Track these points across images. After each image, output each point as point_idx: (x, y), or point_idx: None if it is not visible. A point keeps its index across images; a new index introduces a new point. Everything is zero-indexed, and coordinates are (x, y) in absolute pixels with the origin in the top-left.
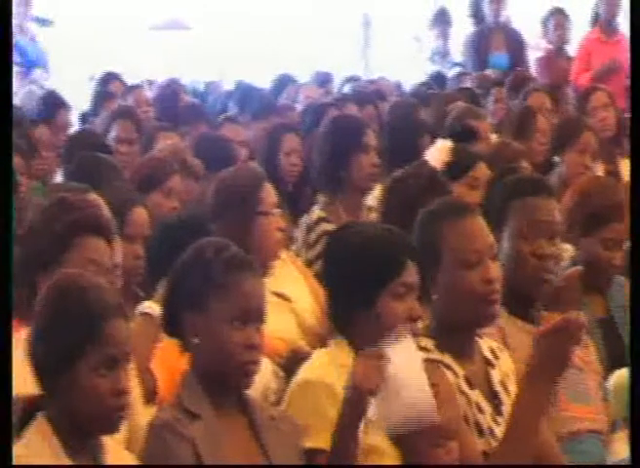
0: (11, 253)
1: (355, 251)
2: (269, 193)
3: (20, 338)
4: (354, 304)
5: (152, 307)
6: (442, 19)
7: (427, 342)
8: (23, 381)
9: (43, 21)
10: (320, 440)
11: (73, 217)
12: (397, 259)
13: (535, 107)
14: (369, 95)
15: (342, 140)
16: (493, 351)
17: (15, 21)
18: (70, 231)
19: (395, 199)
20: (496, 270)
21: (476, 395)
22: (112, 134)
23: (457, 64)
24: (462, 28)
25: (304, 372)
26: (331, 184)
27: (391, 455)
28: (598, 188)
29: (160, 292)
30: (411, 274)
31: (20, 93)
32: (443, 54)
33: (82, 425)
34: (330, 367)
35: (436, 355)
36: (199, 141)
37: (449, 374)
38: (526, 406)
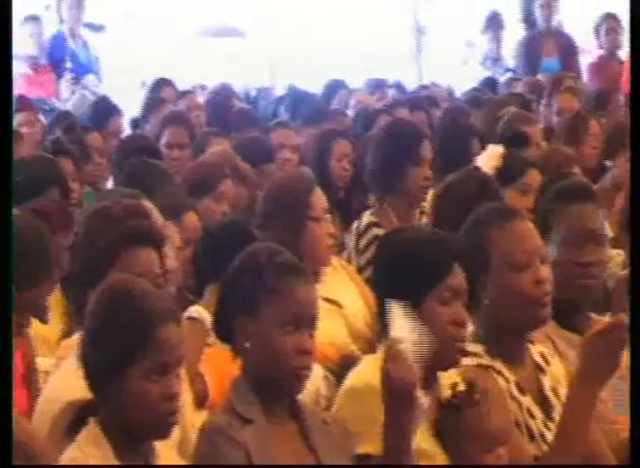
0: (11, 253)
1: (402, 254)
2: (320, 198)
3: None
4: (407, 304)
5: (199, 311)
6: (494, 23)
7: (477, 348)
8: (75, 387)
9: (95, 27)
10: (369, 445)
11: (117, 230)
12: (444, 263)
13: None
14: (421, 100)
15: (398, 151)
16: (543, 356)
17: (67, 26)
18: (115, 245)
19: (447, 204)
20: (546, 272)
21: (527, 400)
22: (163, 139)
23: (509, 69)
24: (514, 33)
25: (352, 379)
26: (383, 190)
27: (441, 460)
28: None
29: (207, 297)
30: (457, 278)
31: (72, 99)
32: (495, 58)
33: (133, 430)
34: (377, 372)
35: (487, 360)
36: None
37: (500, 380)
38: (575, 408)
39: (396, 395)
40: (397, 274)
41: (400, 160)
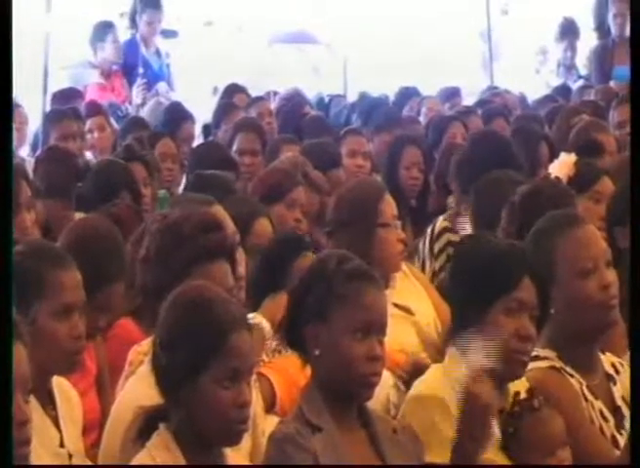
0: (11, 254)
1: (475, 262)
2: (389, 205)
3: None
4: (467, 316)
5: (258, 318)
6: (569, 31)
7: (550, 353)
8: (148, 393)
9: (168, 33)
10: (435, 454)
11: (190, 248)
12: (514, 275)
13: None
14: (497, 107)
15: (489, 158)
16: (614, 366)
17: (140, 33)
18: (189, 263)
19: (526, 213)
20: (612, 276)
21: (599, 404)
22: (235, 145)
23: (581, 77)
24: (587, 42)
25: (418, 387)
26: (463, 197)
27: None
28: None
29: (266, 306)
30: (526, 291)
31: (147, 105)
32: (568, 66)
33: (204, 437)
34: (443, 380)
35: (559, 363)
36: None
37: (573, 381)
38: None
39: (472, 412)
40: (467, 282)
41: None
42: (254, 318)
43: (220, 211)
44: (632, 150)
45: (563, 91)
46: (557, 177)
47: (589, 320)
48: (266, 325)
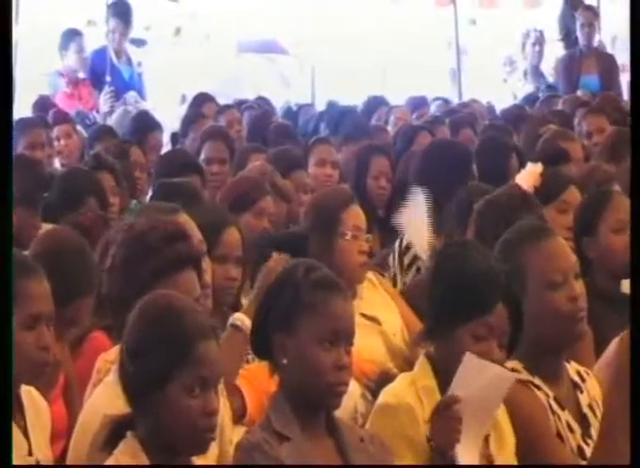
0: (11, 254)
1: (451, 279)
2: (353, 215)
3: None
4: (438, 331)
5: (242, 320)
6: (536, 40)
7: (516, 365)
8: (115, 402)
9: (137, 42)
10: (405, 462)
11: (157, 259)
12: (487, 301)
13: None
14: (464, 117)
15: (453, 172)
16: (580, 374)
17: (111, 42)
18: (155, 273)
19: (487, 220)
20: (580, 288)
21: (566, 415)
22: (203, 154)
23: (549, 86)
24: (554, 52)
25: (386, 395)
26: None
27: None
28: None
29: (248, 304)
30: (497, 318)
31: (115, 114)
32: (536, 74)
33: (171, 445)
34: (411, 388)
35: (526, 376)
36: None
37: (540, 394)
38: (612, 415)
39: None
40: (441, 296)
41: (454, 181)
42: (238, 318)
43: (185, 219)
44: (633, 150)
45: (531, 100)
46: (518, 186)
47: (557, 332)
48: (249, 323)
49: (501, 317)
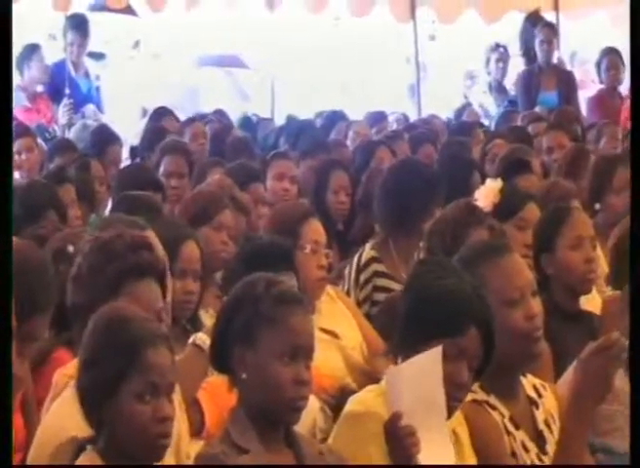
0: (11, 254)
1: (422, 301)
2: (313, 229)
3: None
4: (407, 347)
5: (203, 340)
6: (498, 56)
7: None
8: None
9: (96, 55)
10: None
11: (121, 265)
12: (456, 321)
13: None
14: (424, 134)
15: (426, 193)
16: (536, 389)
17: (69, 56)
18: (119, 280)
19: (437, 236)
20: (537, 306)
21: (521, 434)
22: (162, 168)
23: (511, 102)
24: (515, 68)
25: (353, 404)
26: (393, 228)
27: None
28: None
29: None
30: (469, 342)
31: (74, 128)
32: (500, 90)
33: (127, 453)
34: (379, 399)
35: (481, 396)
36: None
37: (495, 415)
38: (570, 431)
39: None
40: (409, 316)
41: (426, 202)
42: (200, 338)
43: (151, 234)
44: (633, 151)
45: (489, 115)
46: (466, 201)
47: (514, 350)
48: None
49: (474, 341)
